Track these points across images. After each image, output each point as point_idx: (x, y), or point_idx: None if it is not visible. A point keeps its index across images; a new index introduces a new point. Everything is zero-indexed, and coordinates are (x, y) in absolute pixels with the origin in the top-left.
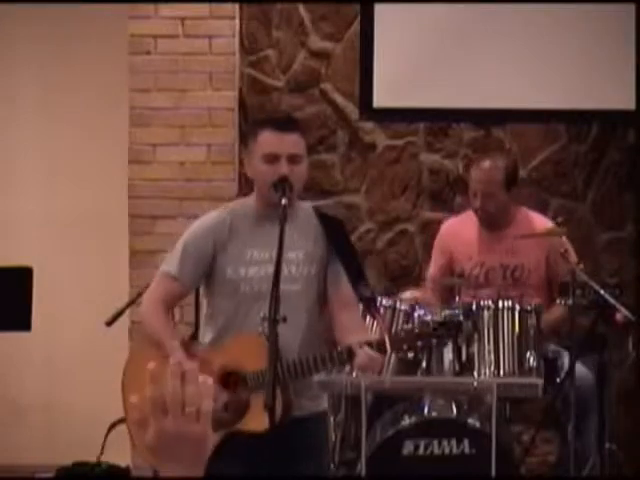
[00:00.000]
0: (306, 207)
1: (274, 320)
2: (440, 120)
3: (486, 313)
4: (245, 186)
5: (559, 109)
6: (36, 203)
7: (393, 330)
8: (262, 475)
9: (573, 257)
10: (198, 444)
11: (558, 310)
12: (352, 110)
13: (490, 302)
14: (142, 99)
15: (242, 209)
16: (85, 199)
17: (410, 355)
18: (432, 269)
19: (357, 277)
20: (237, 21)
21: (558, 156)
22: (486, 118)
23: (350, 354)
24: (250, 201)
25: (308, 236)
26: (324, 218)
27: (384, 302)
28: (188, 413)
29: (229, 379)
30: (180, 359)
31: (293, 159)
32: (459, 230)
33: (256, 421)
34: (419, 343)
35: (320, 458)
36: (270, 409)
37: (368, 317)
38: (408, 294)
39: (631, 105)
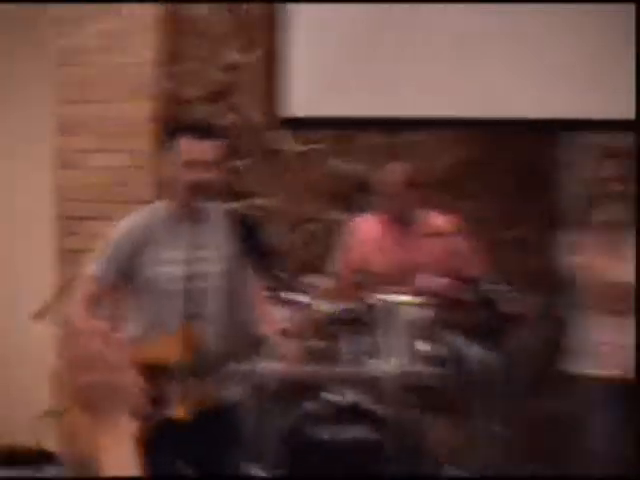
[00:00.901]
0: (219, 209)
1: (190, 316)
2: (347, 128)
3: (388, 306)
4: (162, 190)
5: (466, 118)
6: None
7: (300, 320)
8: (188, 460)
9: (473, 254)
10: (128, 391)
11: (454, 306)
12: (261, 120)
13: (393, 296)
14: (69, 109)
15: (158, 212)
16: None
17: (316, 344)
18: (340, 265)
19: (267, 273)
20: (156, 35)
21: (462, 161)
22: (394, 126)
23: (260, 344)
24: (165, 204)
25: (220, 236)
26: (235, 219)
27: (291, 296)
28: (112, 365)
29: (153, 372)
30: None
31: (207, 165)
32: (366, 229)
33: (178, 410)
34: (325, 332)
35: (238, 445)
36: (189, 399)
37: (277, 308)
38: (317, 287)
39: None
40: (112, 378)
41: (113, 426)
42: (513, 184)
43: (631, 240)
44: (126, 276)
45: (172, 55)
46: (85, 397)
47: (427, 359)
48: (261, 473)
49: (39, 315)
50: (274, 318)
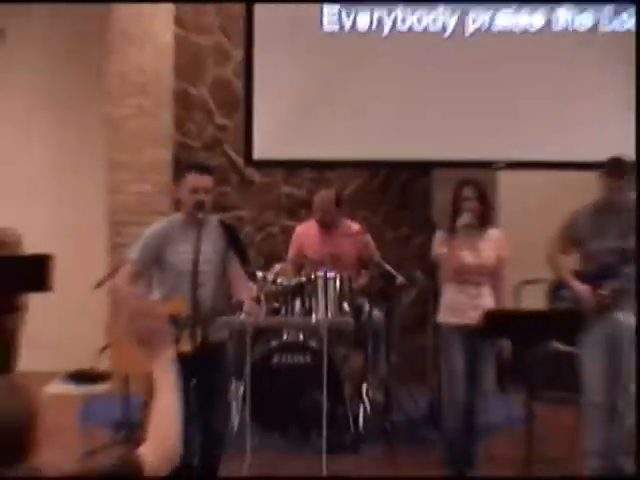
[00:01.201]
0: (213, 219)
1: (194, 286)
2: (293, 167)
3: (320, 280)
4: (176, 206)
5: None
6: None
7: (265, 290)
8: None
9: (372, 247)
10: (163, 331)
11: (363, 278)
12: (240, 161)
13: (323, 274)
14: (116, 154)
15: (174, 221)
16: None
17: (276, 305)
18: (290, 254)
19: (244, 260)
20: (170, 108)
21: (362, 187)
22: (321, 166)
23: (240, 305)
24: (179, 216)
25: (214, 236)
26: (224, 225)
27: (259, 274)
28: (151, 315)
29: (170, 321)
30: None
31: (206, 191)
32: (306, 231)
33: (185, 346)
34: (282, 297)
35: (226, 369)
36: (193, 339)
37: (250, 282)
38: (276, 268)
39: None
40: (153, 323)
41: (160, 354)
42: (400, 203)
43: (481, 237)
44: (153, 261)
45: (182, 119)
46: (139, 336)
47: (346, 313)
48: (241, 387)
49: (98, 285)
50: (249, 288)
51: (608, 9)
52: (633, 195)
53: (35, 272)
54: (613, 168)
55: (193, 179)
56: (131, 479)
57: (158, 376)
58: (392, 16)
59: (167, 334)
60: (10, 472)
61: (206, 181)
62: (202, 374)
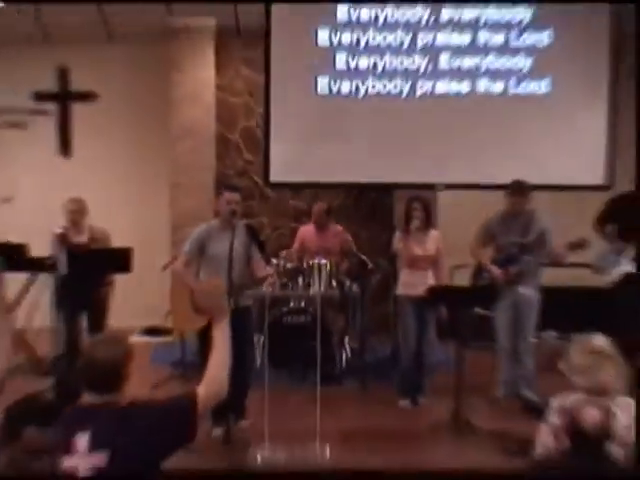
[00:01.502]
0: (240, 223)
1: (229, 269)
2: (299, 187)
3: (316, 265)
4: (216, 214)
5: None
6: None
7: (277, 270)
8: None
9: (351, 243)
10: (220, 304)
11: (345, 264)
12: (260, 183)
13: (319, 261)
14: (177, 176)
15: (215, 224)
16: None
17: (285, 280)
18: (295, 246)
19: (262, 250)
20: (213, 148)
21: (345, 201)
22: (317, 186)
23: (261, 281)
24: (216, 221)
25: (241, 235)
26: (248, 227)
27: (274, 261)
28: (212, 295)
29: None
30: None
31: (237, 203)
32: (306, 231)
33: None
34: (289, 276)
35: (250, 325)
36: (227, 304)
37: (267, 266)
38: (283, 253)
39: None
40: (214, 300)
41: (218, 321)
42: (372, 212)
43: (426, 236)
44: (199, 252)
45: (221, 155)
46: (202, 308)
47: (333, 288)
48: (262, 338)
49: (164, 268)
50: (266, 270)
51: (519, 78)
52: (529, 206)
53: (120, 259)
54: (515, 188)
55: (228, 195)
56: (189, 406)
57: (216, 336)
58: (365, 85)
59: (224, 307)
60: (110, 398)
61: (236, 197)
62: (234, 330)
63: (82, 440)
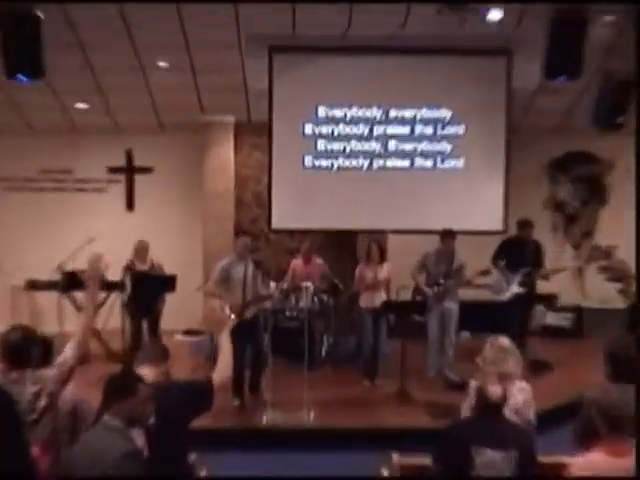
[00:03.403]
0: (250, 258)
1: (243, 290)
2: (293, 231)
3: (303, 287)
4: (234, 251)
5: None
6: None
7: (275, 290)
8: (245, 334)
9: (327, 271)
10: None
11: (322, 286)
12: (266, 229)
13: (306, 284)
14: (206, 224)
15: (232, 258)
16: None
17: (281, 297)
18: (288, 275)
19: (267, 276)
20: (233, 206)
21: (323, 241)
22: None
23: (265, 298)
24: (234, 256)
25: (251, 267)
26: (255, 262)
27: (272, 283)
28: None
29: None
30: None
31: (248, 244)
32: (296, 264)
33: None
34: (285, 294)
35: (260, 328)
36: (242, 314)
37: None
38: (283, 283)
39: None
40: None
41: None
42: (342, 249)
43: (380, 267)
44: (223, 279)
45: (239, 210)
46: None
47: (315, 303)
48: (267, 339)
49: (198, 289)
50: (267, 290)
51: (443, 158)
52: (454, 247)
53: (168, 282)
54: (446, 234)
55: (243, 238)
56: (205, 388)
57: (222, 340)
58: (337, 161)
59: (225, 322)
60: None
61: (248, 240)
62: (250, 331)
63: None
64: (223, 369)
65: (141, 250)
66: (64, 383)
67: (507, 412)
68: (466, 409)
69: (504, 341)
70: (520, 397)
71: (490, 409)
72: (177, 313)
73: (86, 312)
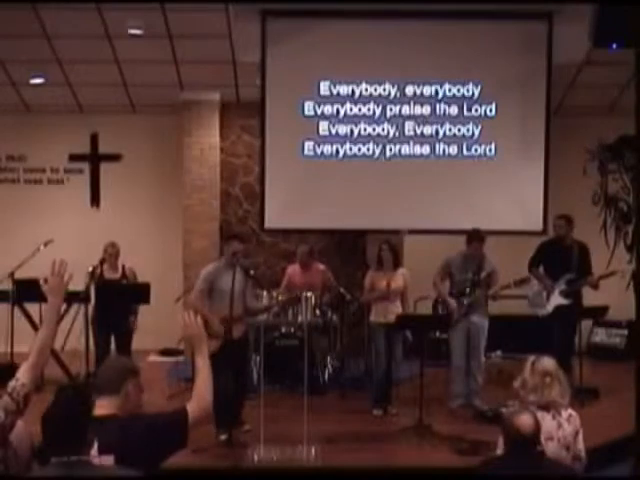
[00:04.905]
0: (238, 265)
1: (231, 302)
2: (287, 232)
3: (303, 297)
4: (222, 256)
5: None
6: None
7: (271, 302)
8: (231, 357)
9: (331, 278)
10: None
11: (327, 296)
12: (257, 229)
13: (305, 294)
14: (187, 224)
15: (220, 264)
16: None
17: (277, 311)
18: (284, 283)
19: (260, 286)
20: (218, 201)
21: (327, 244)
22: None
23: (256, 311)
24: (222, 262)
25: (240, 275)
26: (244, 269)
27: (264, 292)
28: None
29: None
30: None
31: (239, 249)
32: (293, 270)
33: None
34: (281, 306)
35: (248, 350)
36: (230, 332)
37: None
38: (277, 291)
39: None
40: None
41: (199, 351)
42: (349, 253)
43: (394, 273)
44: (209, 289)
45: (225, 206)
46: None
47: (317, 316)
48: (258, 358)
49: (177, 300)
50: (261, 302)
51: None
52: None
53: (141, 293)
54: (473, 235)
55: (233, 244)
56: (178, 420)
57: (199, 361)
58: (343, 148)
59: (204, 340)
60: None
61: (240, 247)
62: (236, 351)
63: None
64: (201, 398)
65: (112, 255)
66: (18, 414)
67: (553, 447)
68: (502, 445)
69: (549, 363)
70: (569, 428)
71: (522, 444)
72: (152, 329)
73: (46, 328)
